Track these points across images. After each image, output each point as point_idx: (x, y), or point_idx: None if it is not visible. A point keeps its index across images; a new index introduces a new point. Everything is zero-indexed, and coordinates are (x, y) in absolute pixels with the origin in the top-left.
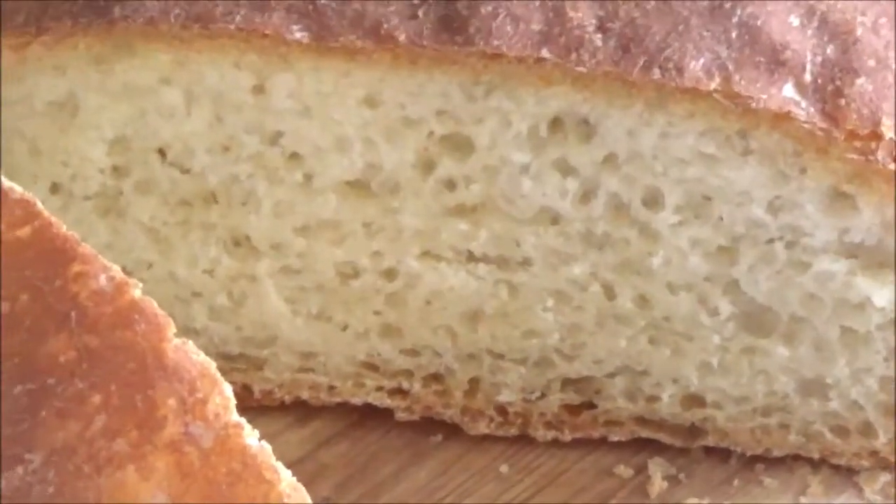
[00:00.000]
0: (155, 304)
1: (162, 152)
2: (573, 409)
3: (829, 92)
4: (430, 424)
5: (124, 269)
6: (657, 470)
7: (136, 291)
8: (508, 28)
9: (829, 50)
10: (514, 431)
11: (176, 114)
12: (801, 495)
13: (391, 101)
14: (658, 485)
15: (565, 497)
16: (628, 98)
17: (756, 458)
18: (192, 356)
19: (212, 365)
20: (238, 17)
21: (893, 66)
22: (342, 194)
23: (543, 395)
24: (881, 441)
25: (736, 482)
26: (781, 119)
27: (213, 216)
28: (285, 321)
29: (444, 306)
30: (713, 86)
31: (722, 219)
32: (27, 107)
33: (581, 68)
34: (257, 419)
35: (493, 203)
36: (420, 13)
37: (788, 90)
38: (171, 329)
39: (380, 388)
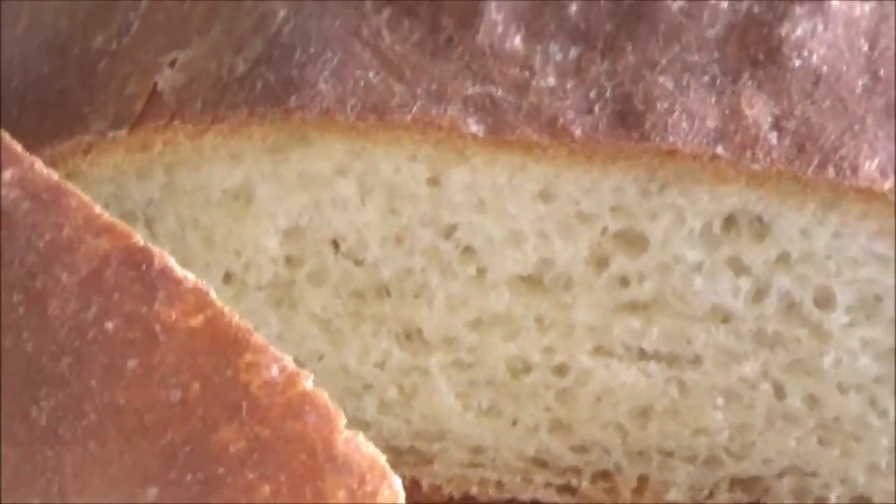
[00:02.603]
0: (326, 396)
1: (335, 243)
2: None
3: None
4: None
5: (296, 360)
6: None
7: (308, 383)
8: (684, 124)
9: None
10: None
11: (350, 204)
12: None
13: (566, 196)
14: None
15: None
16: (802, 197)
17: None
18: (362, 448)
19: (381, 458)
20: (414, 109)
21: None
22: (515, 289)
23: (711, 494)
24: None
25: None
26: None
27: (385, 308)
28: (455, 415)
29: (614, 403)
30: (888, 186)
31: (893, 320)
32: (202, 195)
33: (756, 166)
34: None
35: (665, 300)
36: (596, 108)
37: None
38: (342, 421)
39: (548, 485)
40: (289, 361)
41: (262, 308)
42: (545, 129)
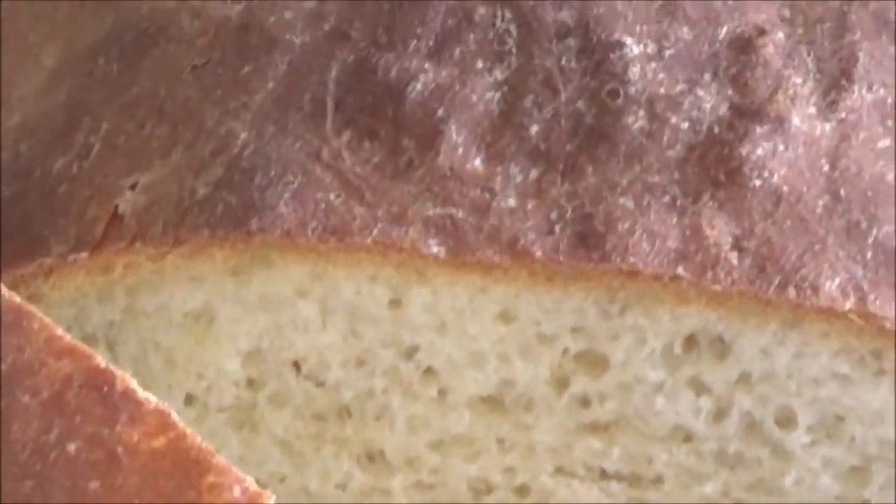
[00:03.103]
0: None
1: (297, 365)
2: None
3: None
4: None
5: (258, 482)
6: None
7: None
8: (645, 245)
9: None
10: None
11: (311, 326)
12: None
13: (526, 317)
14: None
15: None
16: (763, 317)
17: None
18: None
19: None
20: (375, 231)
21: None
22: (476, 409)
23: None
24: None
25: None
26: None
27: (346, 430)
28: None
29: None
30: (848, 305)
31: (854, 439)
32: (163, 318)
33: (717, 287)
34: None
35: (627, 420)
36: (557, 229)
37: None
38: None
39: None
40: (251, 482)
41: (224, 430)
42: (506, 251)
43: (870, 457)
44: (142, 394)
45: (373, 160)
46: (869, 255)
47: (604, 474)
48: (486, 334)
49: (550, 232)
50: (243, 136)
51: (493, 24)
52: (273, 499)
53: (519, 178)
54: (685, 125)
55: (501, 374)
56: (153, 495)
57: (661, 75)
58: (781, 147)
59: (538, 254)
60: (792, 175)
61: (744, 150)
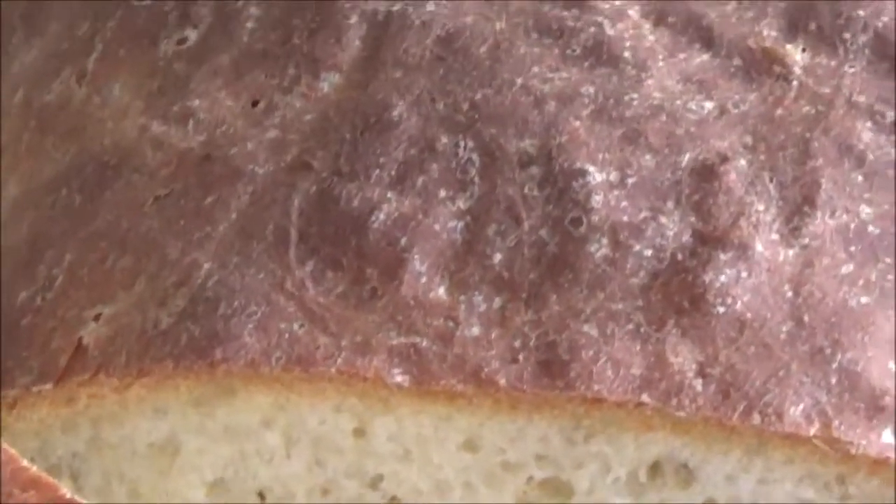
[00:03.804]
0: None
1: (261, 495)
2: None
3: None
4: None
5: None
6: None
7: None
8: (609, 372)
9: None
10: None
11: (276, 456)
12: None
13: (491, 446)
14: None
15: None
16: (728, 443)
17: None
18: None
19: None
20: (339, 361)
21: None
22: None
23: None
24: None
25: None
26: (881, 465)
27: None
28: None
29: None
30: (813, 431)
31: None
32: (128, 449)
33: (681, 413)
34: None
35: None
36: (521, 357)
37: (888, 436)
38: None
39: None
40: None
41: None
42: (470, 380)
43: None
44: None
45: (336, 290)
46: (833, 380)
47: None
48: (450, 463)
49: (514, 360)
50: (206, 266)
51: (456, 154)
52: None
53: (483, 307)
54: (648, 252)
55: (466, 502)
56: None
57: (623, 203)
58: (745, 274)
59: (502, 382)
60: (755, 302)
61: (707, 278)
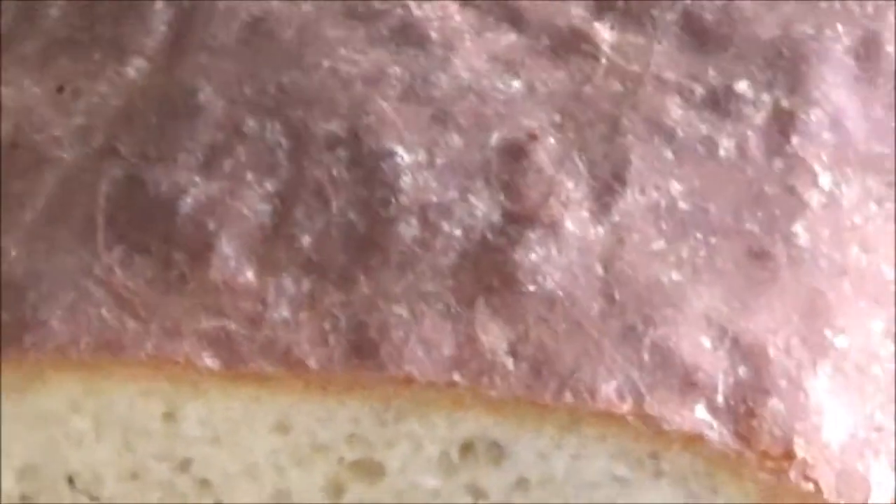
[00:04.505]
0: None
1: (71, 480)
2: None
3: (742, 413)
4: None
5: None
6: None
7: None
8: (419, 353)
9: (741, 371)
10: None
11: (85, 441)
12: None
13: (301, 428)
14: None
15: None
16: (540, 421)
17: None
18: None
19: None
20: (148, 345)
21: (805, 386)
22: None
23: None
24: None
25: None
26: (693, 440)
27: None
28: None
29: None
30: (625, 408)
31: None
32: None
33: (493, 392)
34: None
35: None
36: (331, 339)
37: (700, 412)
38: None
39: None
40: None
41: None
42: (280, 362)
43: None
44: None
45: (145, 275)
46: (645, 357)
47: None
48: (261, 445)
49: (324, 342)
50: (14, 253)
51: (263, 137)
52: None
53: (292, 290)
54: (458, 232)
55: (277, 485)
56: None
57: (433, 183)
58: (555, 252)
59: (312, 364)
60: (566, 279)
61: (517, 256)
